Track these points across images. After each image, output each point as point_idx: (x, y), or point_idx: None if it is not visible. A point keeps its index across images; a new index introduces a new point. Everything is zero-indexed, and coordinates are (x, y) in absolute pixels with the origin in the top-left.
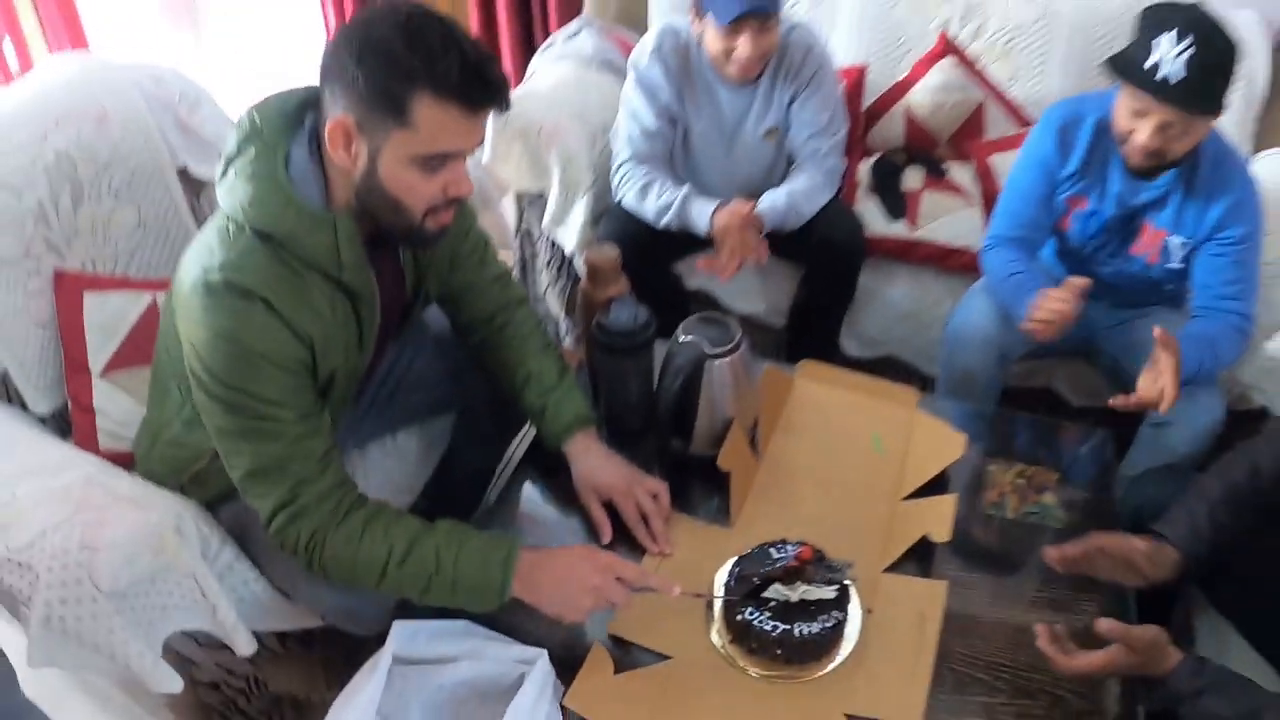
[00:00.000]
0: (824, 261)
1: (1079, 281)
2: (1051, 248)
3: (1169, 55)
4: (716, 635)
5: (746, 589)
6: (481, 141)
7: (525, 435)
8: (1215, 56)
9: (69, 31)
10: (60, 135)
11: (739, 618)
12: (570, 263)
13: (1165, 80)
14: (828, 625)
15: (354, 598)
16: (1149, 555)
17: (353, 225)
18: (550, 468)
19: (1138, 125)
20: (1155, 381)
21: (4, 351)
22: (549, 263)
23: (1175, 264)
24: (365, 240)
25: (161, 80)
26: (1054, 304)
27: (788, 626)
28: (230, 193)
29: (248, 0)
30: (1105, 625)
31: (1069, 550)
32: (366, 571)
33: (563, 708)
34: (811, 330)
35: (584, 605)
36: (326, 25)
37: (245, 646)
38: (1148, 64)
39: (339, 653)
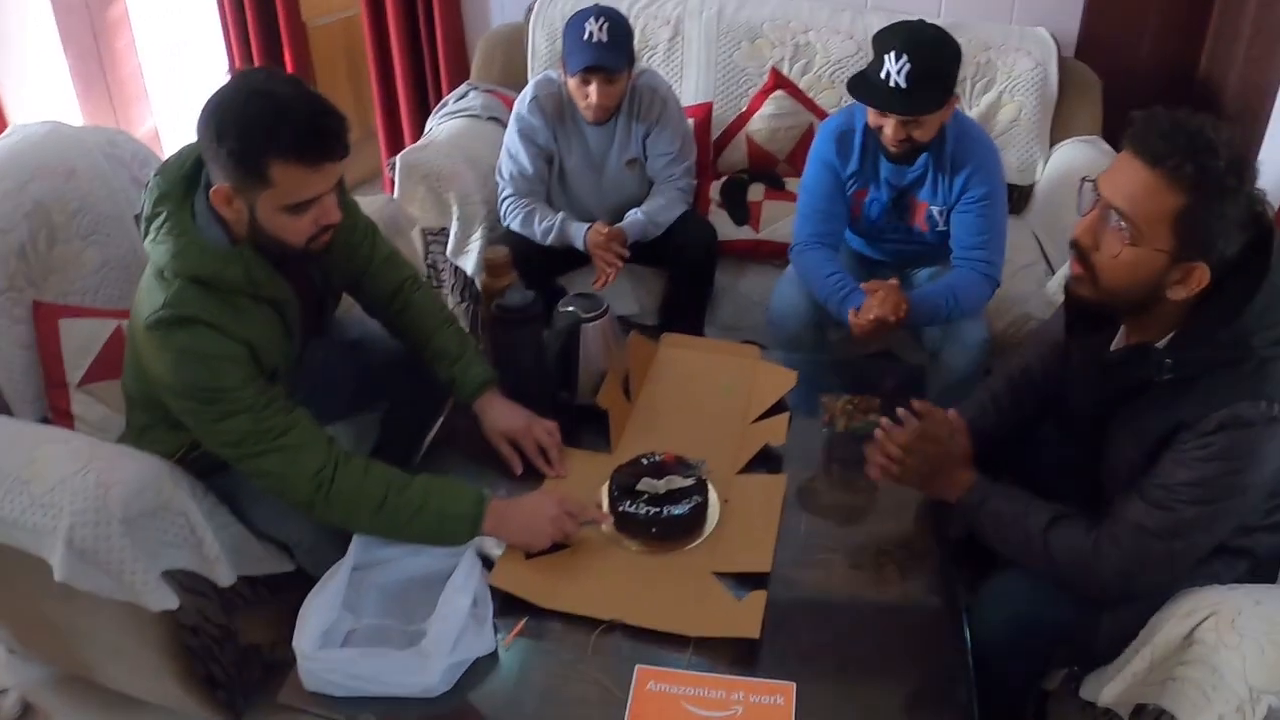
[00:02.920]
0: (685, 263)
1: (890, 283)
2: (858, 239)
3: (893, 70)
4: (605, 526)
5: (628, 491)
6: (337, 181)
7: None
8: (929, 66)
9: None
10: (37, 186)
11: (620, 509)
12: (473, 285)
13: (893, 90)
14: (690, 506)
15: (321, 535)
16: (955, 422)
17: (254, 253)
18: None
19: (884, 122)
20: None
21: None
22: (454, 287)
23: (940, 228)
24: (272, 257)
25: (116, 143)
26: (875, 308)
27: (658, 509)
28: (156, 248)
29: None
30: (917, 403)
31: (906, 435)
32: (368, 502)
33: (490, 588)
34: (679, 323)
35: (546, 533)
36: None
37: (225, 577)
38: (881, 76)
39: (301, 600)
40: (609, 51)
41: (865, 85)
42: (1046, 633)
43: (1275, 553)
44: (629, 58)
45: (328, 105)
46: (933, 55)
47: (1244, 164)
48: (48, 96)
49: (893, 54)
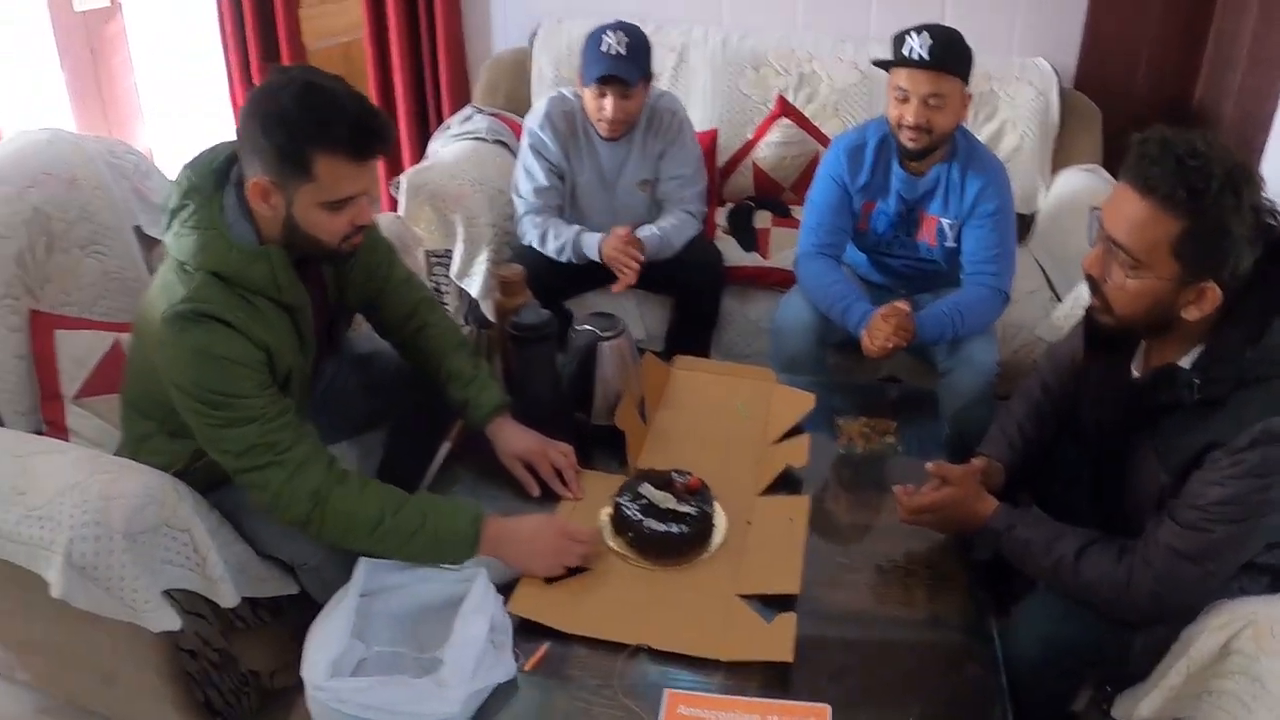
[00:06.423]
0: (692, 288)
1: (903, 306)
2: (862, 257)
3: (915, 43)
4: (604, 514)
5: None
6: (376, 181)
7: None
8: (949, 40)
9: None
10: (36, 193)
11: (616, 498)
12: (477, 307)
13: (916, 55)
14: (672, 531)
15: (327, 557)
16: (987, 472)
17: (283, 255)
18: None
19: (904, 110)
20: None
21: None
22: (457, 310)
23: (949, 243)
24: (293, 262)
25: (117, 153)
26: (890, 337)
27: (642, 519)
28: (179, 241)
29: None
30: (931, 465)
31: (921, 500)
32: (364, 523)
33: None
34: (685, 349)
35: (546, 563)
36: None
37: (229, 598)
38: (904, 52)
39: (306, 626)
40: (625, 63)
41: (892, 59)
42: (1079, 653)
43: None
44: (645, 73)
45: (373, 104)
46: (951, 34)
47: (1241, 177)
48: (41, 111)
49: (913, 33)
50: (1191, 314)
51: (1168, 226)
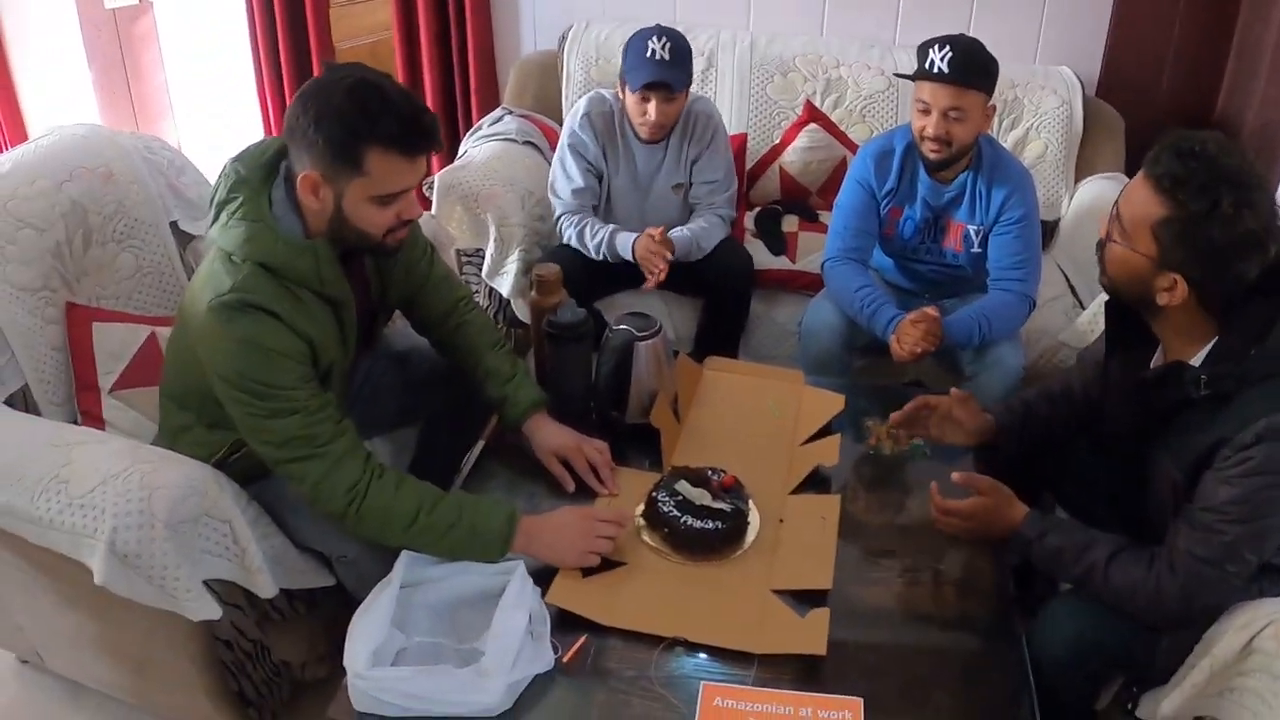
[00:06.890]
0: (722, 289)
1: (932, 312)
2: (889, 262)
3: (937, 57)
4: (639, 513)
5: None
6: (425, 175)
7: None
8: (969, 52)
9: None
10: (74, 186)
11: (652, 493)
12: (508, 307)
13: (936, 69)
14: (708, 527)
15: (365, 550)
16: (962, 400)
17: (329, 249)
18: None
19: (926, 121)
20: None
21: (26, 367)
22: (487, 309)
23: (975, 249)
24: (338, 256)
25: (153, 149)
26: (919, 342)
27: (679, 516)
28: (227, 232)
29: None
30: (957, 476)
31: (904, 412)
32: (400, 518)
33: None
34: (714, 351)
35: (578, 554)
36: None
37: (267, 589)
38: (926, 66)
39: (339, 618)
40: (671, 69)
41: (915, 72)
42: (1107, 654)
43: None
44: (688, 77)
45: (422, 102)
46: (973, 47)
47: (1232, 192)
48: (69, 107)
49: (936, 46)
50: (1164, 299)
51: (1153, 208)
